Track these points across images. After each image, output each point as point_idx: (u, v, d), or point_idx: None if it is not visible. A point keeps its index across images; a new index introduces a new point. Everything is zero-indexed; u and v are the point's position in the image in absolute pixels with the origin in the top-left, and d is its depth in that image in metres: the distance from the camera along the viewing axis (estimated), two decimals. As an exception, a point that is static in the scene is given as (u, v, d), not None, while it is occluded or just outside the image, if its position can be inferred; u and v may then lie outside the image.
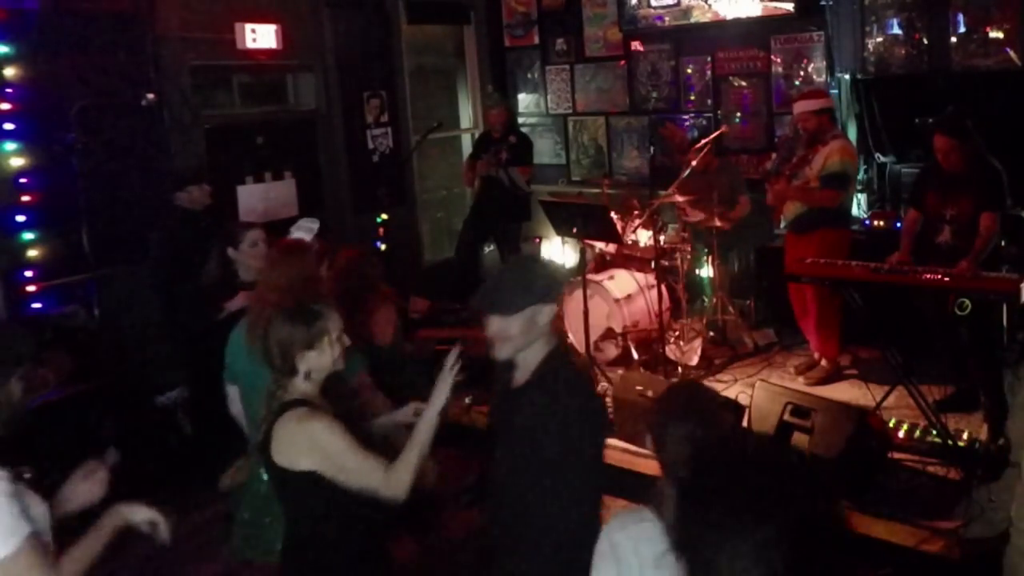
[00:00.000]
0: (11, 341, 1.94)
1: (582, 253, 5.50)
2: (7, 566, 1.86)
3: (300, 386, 2.49)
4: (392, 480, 2.38)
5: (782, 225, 5.50)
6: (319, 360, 2.50)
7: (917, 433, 4.35)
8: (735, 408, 4.47)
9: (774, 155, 5.38)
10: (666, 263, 5.85)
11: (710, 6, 6.81)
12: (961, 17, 5.85)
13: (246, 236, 3.99)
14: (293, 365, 2.48)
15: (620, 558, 1.90)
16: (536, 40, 8.23)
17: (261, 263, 3.80)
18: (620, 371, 5.34)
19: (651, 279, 5.78)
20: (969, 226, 4.48)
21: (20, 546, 1.87)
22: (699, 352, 5.57)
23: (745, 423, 4.34)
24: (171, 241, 4.86)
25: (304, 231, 4.26)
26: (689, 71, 7.29)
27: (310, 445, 2.37)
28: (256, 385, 2.91)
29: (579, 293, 5.34)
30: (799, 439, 4.02)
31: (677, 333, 5.62)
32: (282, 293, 2.95)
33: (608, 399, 4.84)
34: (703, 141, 5.99)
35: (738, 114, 7.03)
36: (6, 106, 4.94)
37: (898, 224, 5.50)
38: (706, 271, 6.18)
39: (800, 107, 5.25)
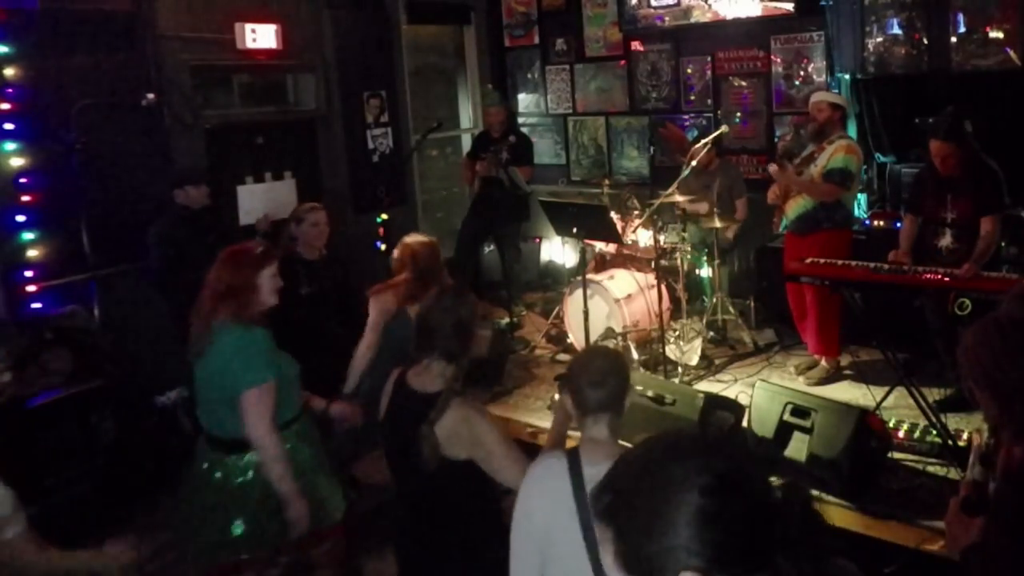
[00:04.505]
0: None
1: (582, 253, 5.50)
2: None
3: (448, 371, 2.44)
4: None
5: (782, 227, 5.48)
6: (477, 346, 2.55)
7: (917, 433, 4.34)
8: (735, 408, 4.47)
9: (788, 135, 5.30)
10: (666, 263, 5.84)
11: (710, 6, 6.82)
12: (961, 17, 5.84)
13: (308, 216, 4.81)
14: (467, 347, 2.47)
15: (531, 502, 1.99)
16: (536, 40, 8.23)
17: (321, 242, 4.81)
18: (620, 371, 5.34)
19: (651, 279, 5.78)
20: (970, 229, 4.47)
21: None
22: (699, 352, 5.57)
23: (745, 423, 4.34)
24: (168, 238, 4.88)
25: (260, 216, 5.27)
26: (689, 71, 7.29)
27: (472, 440, 2.36)
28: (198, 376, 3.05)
29: (579, 293, 5.34)
30: (799, 439, 4.03)
31: (677, 333, 5.62)
32: (219, 299, 2.95)
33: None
34: (703, 140, 5.99)
35: (738, 114, 7.03)
36: (6, 106, 4.94)
37: (898, 224, 5.49)
38: (706, 271, 6.18)
39: (818, 95, 5.30)
